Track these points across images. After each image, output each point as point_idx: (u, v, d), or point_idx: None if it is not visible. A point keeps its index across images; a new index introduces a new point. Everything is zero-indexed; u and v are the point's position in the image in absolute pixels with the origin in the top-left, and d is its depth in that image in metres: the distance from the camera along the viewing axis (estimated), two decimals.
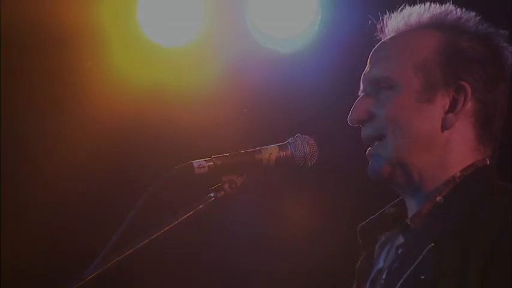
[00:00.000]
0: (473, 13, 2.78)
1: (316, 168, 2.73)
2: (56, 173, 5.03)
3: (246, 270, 5.15)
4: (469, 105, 2.68)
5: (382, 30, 2.85)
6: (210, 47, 4.96)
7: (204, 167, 2.63)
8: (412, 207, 2.72)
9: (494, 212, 2.48)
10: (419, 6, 2.81)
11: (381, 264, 2.74)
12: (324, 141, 2.75)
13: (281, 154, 2.68)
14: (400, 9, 2.83)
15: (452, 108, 2.67)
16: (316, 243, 5.08)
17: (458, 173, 2.66)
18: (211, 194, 2.64)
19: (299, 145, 2.69)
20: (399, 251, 2.67)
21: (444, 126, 2.67)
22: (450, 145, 2.68)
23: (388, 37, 2.83)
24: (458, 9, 2.79)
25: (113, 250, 2.56)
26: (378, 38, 2.86)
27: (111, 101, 4.96)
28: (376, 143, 2.72)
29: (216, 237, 5.10)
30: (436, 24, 2.77)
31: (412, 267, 2.52)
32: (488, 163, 2.70)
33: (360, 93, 2.80)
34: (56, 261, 5.00)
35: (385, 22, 2.85)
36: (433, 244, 2.50)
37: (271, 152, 2.67)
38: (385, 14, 2.85)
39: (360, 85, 2.81)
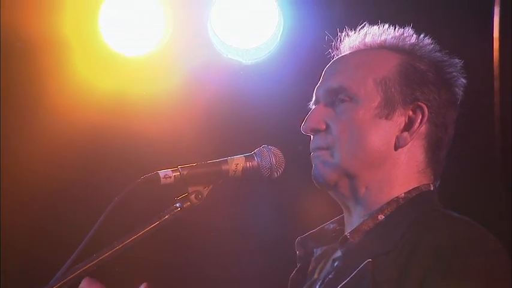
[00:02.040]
0: (429, 40, 2.82)
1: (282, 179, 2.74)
2: (16, 183, 4.98)
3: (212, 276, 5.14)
4: (423, 126, 2.71)
5: (337, 48, 2.87)
6: (173, 56, 4.96)
7: (170, 177, 2.63)
8: (351, 221, 2.73)
9: (434, 236, 2.49)
10: (378, 28, 2.84)
11: (315, 276, 2.76)
12: (287, 151, 2.76)
13: (248, 165, 2.67)
14: (360, 27, 2.86)
15: (407, 127, 2.70)
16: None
17: (403, 194, 2.68)
18: (177, 205, 2.63)
19: (265, 156, 2.69)
20: (335, 264, 2.68)
21: (398, 145, 2.69)
22: (399, 164, 2.70)
23: (346, 53, 2.84)
24: (415, 35, 2.82)
25: (78, 260, 2.55)
26: (332, 55, 2.88)
27: (73, 110, 4.93)
28: (324, 151, 2.72)
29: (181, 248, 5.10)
30: (393, 47, 2.80)
31: (347, 279, 2.53)
32: (432, 189, 2.73)
33: (312, 105, 2.81)
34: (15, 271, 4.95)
35: (340, 39, 2.87)
36: (370, 260, 2.52)
37: (237, 162, 2.67)
38: (344, 29, 2.87)
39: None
